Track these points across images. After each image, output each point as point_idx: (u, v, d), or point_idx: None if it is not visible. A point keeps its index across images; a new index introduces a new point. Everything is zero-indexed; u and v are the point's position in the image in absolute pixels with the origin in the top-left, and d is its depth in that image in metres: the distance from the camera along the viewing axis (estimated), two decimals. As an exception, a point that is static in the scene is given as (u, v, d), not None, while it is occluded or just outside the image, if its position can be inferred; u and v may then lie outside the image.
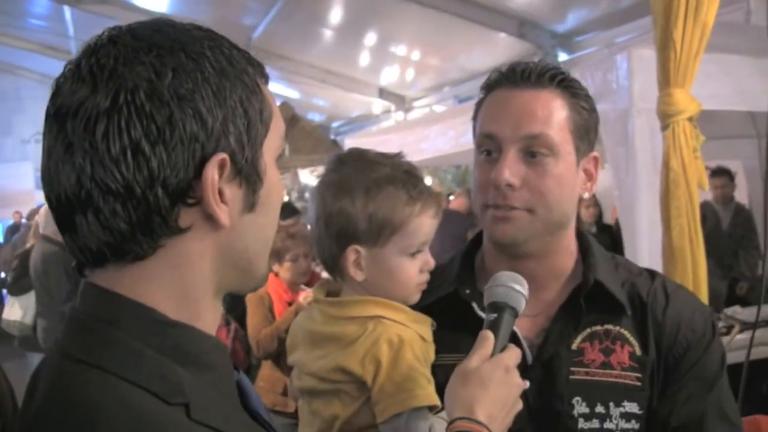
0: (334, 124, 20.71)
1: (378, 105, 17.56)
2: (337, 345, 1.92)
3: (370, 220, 1.91)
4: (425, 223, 1.96)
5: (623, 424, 1.91)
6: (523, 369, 1.88)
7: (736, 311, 6.41)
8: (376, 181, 1.92)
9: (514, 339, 1.86)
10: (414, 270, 1.97)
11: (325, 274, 2.15)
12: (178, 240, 1.19)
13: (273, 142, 1.29)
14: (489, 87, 2.02)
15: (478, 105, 2.04)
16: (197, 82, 1.16)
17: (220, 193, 1.19)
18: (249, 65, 1.27)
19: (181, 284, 1.22)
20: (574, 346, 1.95)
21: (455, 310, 2.01)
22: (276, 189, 1.32)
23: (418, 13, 11.69)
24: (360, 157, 2.01)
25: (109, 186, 1.13)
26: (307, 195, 12.64)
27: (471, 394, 1.62)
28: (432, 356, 1.95)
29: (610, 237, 7.62)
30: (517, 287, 1.77)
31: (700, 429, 1.96)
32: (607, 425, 1.91)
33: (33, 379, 1.23)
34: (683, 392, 1.95)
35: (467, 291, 2.03)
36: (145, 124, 1.12)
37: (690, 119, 3.49)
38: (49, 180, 1.19)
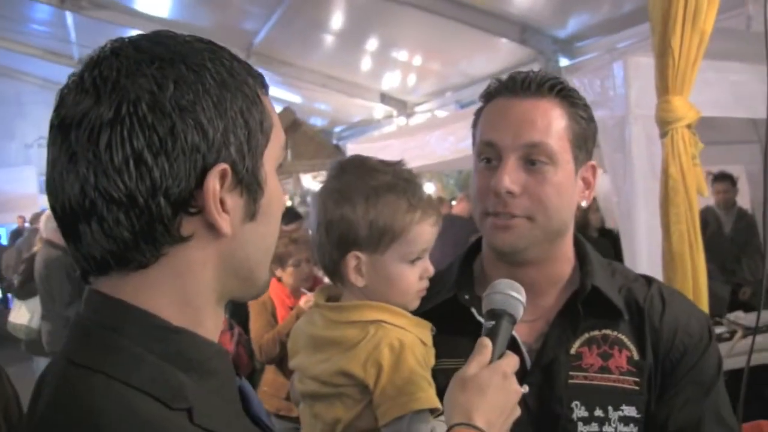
0: (336, 129, 20.70)
1: (380, 110, 17.56)
2: (339, 349, 1.94)
3: (371, 227, 1.93)
4: (425, 231, 1.98)
5: (622, 428, 1.93)
6: (523, 373, 1.91)
7: (739, 316, 6.41)
8: (376, 188, 1.94)
9: (513, 344, 1.88)
10: (414, 277, 1.99)
11: (327, 279, 2.17)
12: (180, 248, 1.21)
13: (273, 152, 1.31)
14: (489, 96, 2.04)
15: (478, 113, 2.06)
16: (198, 94, 1.18)
17: (222, 203, 1.21)
18: (249, 76, 1.29)
19: (183, 292, 1.24)
20: (572, 351, 1.97)
21: (455, 316, 2.03)
22: (277, 198, 1.34)
23: (419, 19, 11.69)
24: (361, 164, 2.03)
25: (112, 195, 1.15)
26: (309, 200, 12.64)
27: (469, 400, 1.63)
28: (432, 360, 1.97)
29: (612, 241, 7.62)
30: (515, 294, 1.79)
31: None
32: (606, 429, 1.92)
33: (38, 385, 1.25)
34: (680, 396, 1.97)
35: (466, 296, 2.06)
36: (147, 135, 1.14)
37: (689, 126, 3.49)
38: (53, 189, 1.21)
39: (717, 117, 4.93)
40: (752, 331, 5.62)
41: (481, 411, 1.62)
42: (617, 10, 9.81)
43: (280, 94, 18.30)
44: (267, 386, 5.99)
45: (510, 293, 1.79)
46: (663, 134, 3.52)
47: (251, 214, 1.28)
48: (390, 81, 16.24)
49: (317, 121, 20.24)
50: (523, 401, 1.84)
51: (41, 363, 8.29)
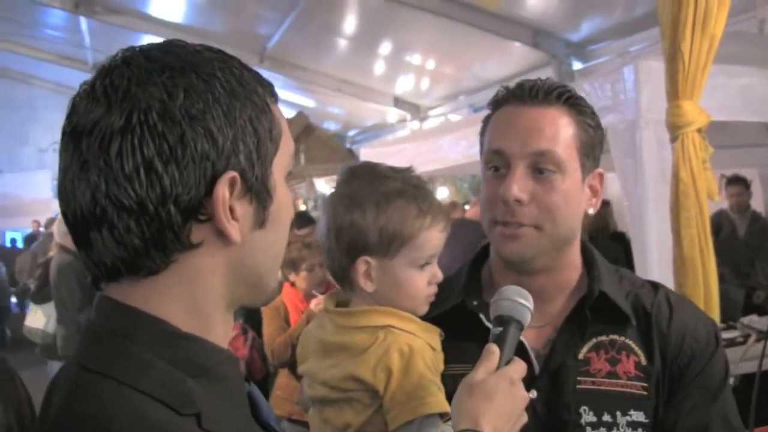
0: (350, 133, 20.69)
1: (393, 114, 17.55)
2: (348, 354, 1.95)
3: (381, 233, 1.94)
4: (434, 237, 1.99)
5: None
6: (531, 379, 1.91)
7: (753, 320, 6.41)
8: (386, 194, 1.96)
9: (521, 349, 1.89)
10: (422, 282, 2.00)
11: (340, 285, 2.18)
12: (190, 255, 1.23)
13: (282, 160, 1.33)
14: (497, 104, 2.05)
15: (486, 121, 2.07)
16: (208, 102, 1.20)
17: (231, 210, 1.23)
18: (259, 85, 1.31)
19: (192, 298, 1.25)
20: (580, 356, 1.98)
21: (463, 321, 2.04)
22: (286, 206, 1.35)
23: (432, 23, 11.68)
24: (371, 170, 2.05)
25: (122, 203, 1.16)
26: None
27: (476, 406, 1.64)
28: (441, 365, 1.97)
29: (623, 245, 7.61)
30: (523, 301, 1.79)
31: None
32: None
33: (49, 389, 1.26)
34: (688, 402, 1.98)
35: (474, 302, 2.06)
36: (157, 143, 1.15)
37: (699, 131, 3.50)
38: (65, 197, 1.22)
39: (729, 120, 4.91)
40: (765, 335, 5.61)
41: (488, 417, 1.62)
42: (630, 13, 9.79)
43: (293, 99, 18.31)
44: (280, 390, 6.00)
45: (517, 300, 1.79)
46: (673, 139, 3.53)
47: (260, 221, 1.29)
48: (403, 85, 16.24)
49: (331, 125, 20.24)
50: (532, 407, 1.85)
51: (56, 367, 8.29)
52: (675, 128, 3.50)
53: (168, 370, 1.20)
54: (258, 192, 1.27)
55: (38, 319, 9.11)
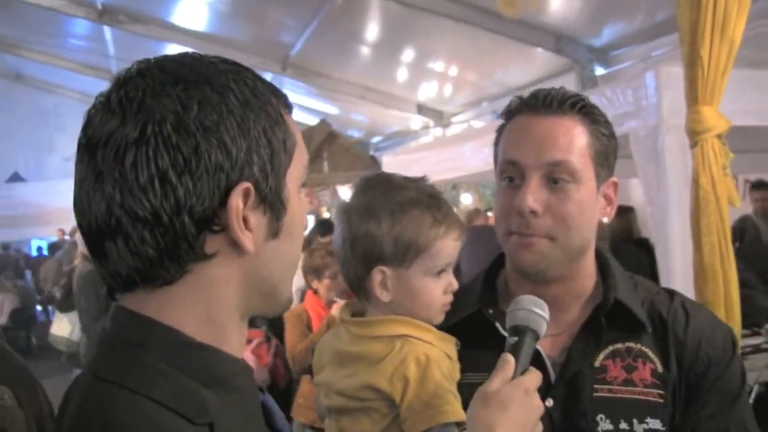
0: (374, 140, 20.70)
1: (417, 121, 17.52)
2: (365, 364, 1.96)
3: (396, 242, 1.95)
4: (449, 245, 2.00)
5: None
6: (547, 387, 1.91)
7: (779, 326, 6.37)
8: (401, 203, 1.97)
9: (537, 358, 1.89)
10: (438, 291, 2.01)
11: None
12: (204, 266, 1.24)
13: (296, 171, 1.34)
14: (510, 113, 2.05)
15: (500, 131, 2.07)
16: (222, 114, 1.21)
17: (245, 221, 1.24)
18: (273, 96, 1.31)
19: (207, 308, 1.26)
20: (596, 364, 1.97)
21: (479, 330, 2.04)
22: (299, 216, 1.36)
23: (454, 29, 11.66)
24: (386, 180, 2.06)
25: (137, 214, 1.18)
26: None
27: (491, 416, 1.63)
28: (457, 374, 1.98)
29: (647, 251, 7.57)
30: (538, 311, 1.78)
31: None
32: None
33: (65, 398, 1.28)
34: (707, 409, 1.97)
35: (490, 311, 2.07)
36: (172, 155, 1.17)
37: (719, 136, 3.48)
38: (80, 208, 1.24)
39: (754, 125, 4.89)
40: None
41: (502, 427, 1.61)
42: (652, 18, 9.74)
43: (316, 106, 18.34)
44: (302, 398, 6.02)
45: (533, 309, 1.78)
46: (693, 145, 3.51)
47: (274, 232, 1.30)
48: (426, 92, 16.21)
49: (354, 133, 20.25)
50: (548, 415, 1.85)
51: (79, 375, 8.39)
52: (694, 134, 3.49)
53: (182, 379, 1.21)
54: (272, 203, 1.28)
55: (63, 327, 9.17)
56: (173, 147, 1.17)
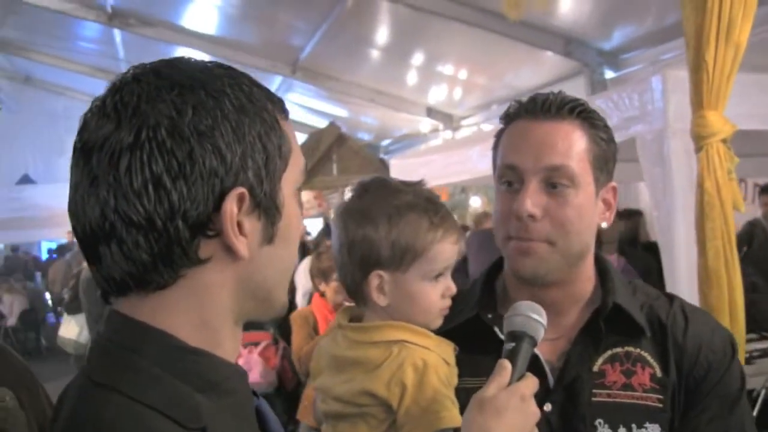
0: (383, 143, 20.68)
1: (426, 124, 17.50)
2: (362, 369, 1.95)
3: (393, 247, 1.94)
4: (447, 249, 1.99)
5: None
6: (546, 392, 1.91)
7: (788, 331, 6.37)
8: (398, 208, 1.96)
9: (535, 362, 1.89)
10: (436, 295, 2.00)
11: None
12: (198, 270, 1.24)
13: (292, 176, 1.34)
14: (509, 118, 2.05)
15: (498, 136, 2.07)
16: (217, 119, 1.21)
17: (239, 226, 1.24)
18: (269, 101, 1.31)
19: (200, 313, 1.26)
20: (595, 368, 1.97)
21: (477, 335, 2.04)
22: (295, 221, 1.36)
23: (464, 33, 11.65)
24: (382, 185, 2.05)
25: (131, 218, 1.18)
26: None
27: (486, 422, 1.62)
28: (455, 380, 1.97)
29: (655, 255, 7.57)
30: (536, 317, 1.78)
31: None
32: None
33: (59, 401, 1.28)
34: (706, 413, 1.96)
35: (489, 315, 2.06)
36: (166, 160, 1.17)
37: (724, 141, 3.47)
38: (75, 212, 1.25)
39: (763, 129, 4.88)
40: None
41: None
42: (662, 21, 9.71)
43: (326, 109, 18.33)
44: (308, 401, 6.01)
45: (531, 315, 1.78)
46: (698, 149, 3.50)
47: (269, 237, 1.30)
48: (436, 95, 16.19)
49: (364, 136, 20.22)
50: (547, 420, 1.85)
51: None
52: (699, 139, 3.48)
53: (175, 384, 1.21)
54: (267, 208, 1.28)
55: (71, 329, 9.19)
56: (168, 152, 1.17)
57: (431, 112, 16.69)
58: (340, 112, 18.37)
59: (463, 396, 1.84)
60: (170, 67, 1.27)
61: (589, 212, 1.97)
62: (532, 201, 1.90)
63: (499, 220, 2.02)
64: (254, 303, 1.34)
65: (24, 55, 21.19)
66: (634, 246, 8.38)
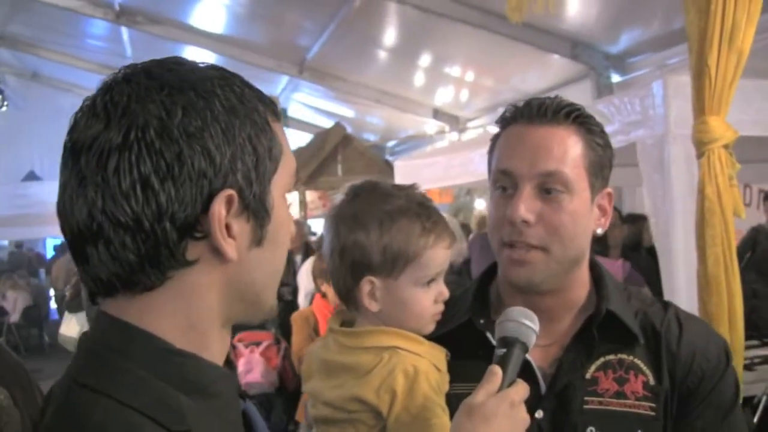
0: (389, 144, 20.70)
1: (432, 125, 17.52)
2: (353, 375, 1.94)
3: (385, 252, 1.92)
4: (439, 255, 1.97)
5: None
6: (537, 399, 1.90)
7: (792, 339, 6.36)
8: (389, 213, 1.94)
9: (527, 369, 1.88)
10: (428, 301, 1.98)
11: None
12: (185, 272, 1.23)
13: (282, 179, 1.32)
14: (505, 122, 2.04)
15: (494, 140, 2.06)
16: (206, 120, 1.20)
17: (228, 228, 1.23)
18: (260, 103, 1.30)
19: (188, 315, 1.25)
20: (587, 376, 1.96)
21: (470, 340, 2.02)
22: (285, 224, 1.35)
23: (471, 35, 11.66)
24: (374, 189, 2.03)
25: (119, 219, 1.17)
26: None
27: (475, 428, 1.61)
28: (446, 386, 1.96)
29: (655, 259, 7.56)
30: (528, 322, 1.76)
31: None
32: None
33: (46, 401, 1.28)
34: (699, 421, 1.95)
35: (481, 321, 2.04)
36: (154, 160, 1.16)
37: (725, 146, 3.45)
38: (63, 212, 1.24)
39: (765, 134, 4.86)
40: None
41: None
42: (669, 25, 9.69)
43: (332, 109, 18.37)
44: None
45: (523, 321, 1.76)
46: (700, 155, 3.49)
47: (258, 239, 1.29)
48: (442, 96, 16.21)
49: (370, 136, 20.25)
50: (538, 427, 1.84)
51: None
52: (701, 144, 3.46)
53: (161, 386, 1.20)
54: (256, 210, 1.27)
55: (72, 327, 9.20)
56: (156, 153, 1.16)
57: (437, 113, 16.72)
58: (346, 112, 18.40)
59: (454, 402, 1.82)
60: (161, 67, 1.26)
61: (583, 218, 1.95)
62: (526, 206, 1.89)
63: (493, 225, 2.00)
64: (242, 305, 1.33)
65: (32, 51, 21.24)
66: (637, 251, 8.36)
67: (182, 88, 1.22)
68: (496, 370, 1.68)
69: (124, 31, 16.56)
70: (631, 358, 1.97)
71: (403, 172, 9.64)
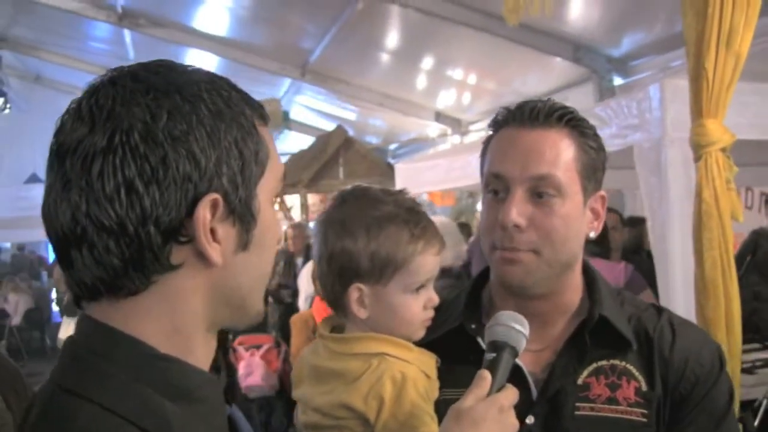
0: (391, 147, 20.68)
1: (434, 128, 17.49)
2: (341, 381, 1.93)
3: (373, 259, 1.91)
4: (428, 261, 1.96)
5: None
6: (529, 404, 1.89)
7: (795, 343, 6.35)
8: (378, 219, 1.93)
9: (519, 374, 1.87)
10: (417, 307, 1.97)
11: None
12: (170, 276, 1.22)
13: (269, 183, 1.32)
14: (497, 125, 2.03)
15: (486, 143, 2.05)
16: (192, 124, 1.19)
17: (213, 232, 1.22)
18: (247, 107, 1.30)
19: (172, 319, 1.25)
20: (579, 381, 1.95)
21: (461, 345, 2.01)
22: (271, 229, 1.34)
23: (473, 38, 11.64)
24: (362, 194, 2.02)
25: (103, 223, 1.16)
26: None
27: None
28: (435, 393, 1.95)
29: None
30: (518, 327, 1.76)
31: None
32: None
33: (29, 407, 1.27)
34: (691, 428, 1.94)
35: (473, 326, 2.03)
36: (139, 164, 1.15)
37: (723, 150, 3.44)
38: (48, 215, 1.23)
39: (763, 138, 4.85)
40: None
41: None
42: (671, 28, 9.66)
43: (335, 111, 18.34)
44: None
45: (512, 325, 1.76)
46: (697, 158, 3.48)
47: (243, 244, 1.28)
48: (445, 99, 16.18)
49: (372, 139, 20.23)
50: (528, 433, 1.83)
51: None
52: (698, 147, 3.45)
53: (145, 392, 1.20)
54: (241, 214, 1.26)
55: (71, 331, 9.19)
56: (140, 156, 1.16)
57: (440, 116, 16.70)
58: (348, 115, 18.38)
59: (444, 408, 1.81)
60: (147, 70, 1.26)
61: (576, 222, 1.94)
62: (518, 210, 1.88)
63: (484, 229, 1.99)
64: (228, 310, 1.32)
65: (34, 54, 21.24)
66: (638, 253, 8.35)
67: (168, 92, 1.21)
68: (485, 375, 1.68)
69: (127, 34, 16.54)
70: (623, 363, 1.96)
71: (405, 175, 9.63)
